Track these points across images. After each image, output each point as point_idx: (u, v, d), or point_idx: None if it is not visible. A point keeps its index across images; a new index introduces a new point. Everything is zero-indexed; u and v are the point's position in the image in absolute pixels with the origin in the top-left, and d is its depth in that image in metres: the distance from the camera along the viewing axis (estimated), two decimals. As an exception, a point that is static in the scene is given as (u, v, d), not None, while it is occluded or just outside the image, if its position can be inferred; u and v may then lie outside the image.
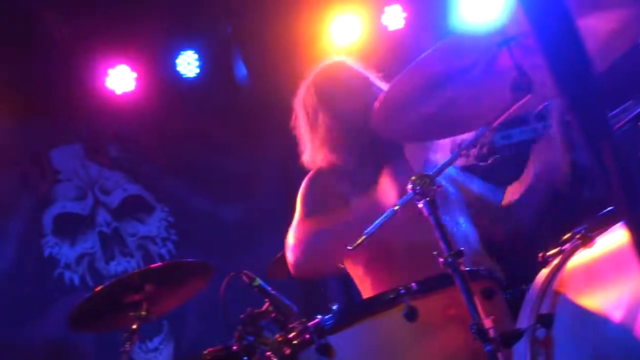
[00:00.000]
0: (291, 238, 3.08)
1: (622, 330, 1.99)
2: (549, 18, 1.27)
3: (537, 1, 1.14)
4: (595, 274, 2.16)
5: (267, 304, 2.78)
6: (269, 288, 2.78)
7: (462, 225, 3.19)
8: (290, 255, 3.04)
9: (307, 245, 3.01)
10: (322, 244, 3.00)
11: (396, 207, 2.41)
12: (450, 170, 3.02)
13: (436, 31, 5.45)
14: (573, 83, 1.30)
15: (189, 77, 5.54)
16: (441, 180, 2.66)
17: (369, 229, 2.47)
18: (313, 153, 3.22)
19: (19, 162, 5.59)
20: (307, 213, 3.14)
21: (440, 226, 2.23)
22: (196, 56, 5.48)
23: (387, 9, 5.50)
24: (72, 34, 5.15)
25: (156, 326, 5.46)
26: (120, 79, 5.35)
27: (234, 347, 2.95)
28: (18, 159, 5.60)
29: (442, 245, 2.20)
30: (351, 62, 3.30)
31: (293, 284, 4.84)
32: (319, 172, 3.23)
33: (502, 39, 2.34)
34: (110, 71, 5.30)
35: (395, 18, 5.50)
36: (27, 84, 5.32)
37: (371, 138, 2.90)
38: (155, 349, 5.51)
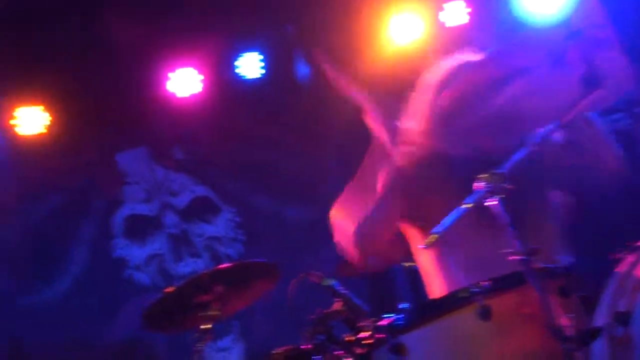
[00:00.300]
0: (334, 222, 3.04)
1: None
2: (627, 8, 1.27)
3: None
4: (673, 270, 2.20)
5: (337, 304, 2.80)
6: (341, 288, 2.80)
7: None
8: (346, 255, 2.99)
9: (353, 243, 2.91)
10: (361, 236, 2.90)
11: (468, 205, 2.32)
12: None
13: (501, 26, 5.25)
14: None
15: (251, 79, 5.60)
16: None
17: (439, 227, 2.37)
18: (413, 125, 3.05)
19: (87, 167, 5.76)
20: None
21: (513, 224, 2.20)
22: (261, 57, 5.53)
23: (447, 5, 5.45)
24: (136, 39, 5.24)
25: (226, 326, 5.53)
26: (184, 82, 5.45)
27: (304, 347, 2.96)
28: (86, 164, 5.77)
29: (515, 243, 2.17)
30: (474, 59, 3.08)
31: (359, 283, 4.94)
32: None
33: (570, 32, 2.37)
34: (170, 75, 5.41)
35: (458, 14, 5.40)
36: (93, 89, 5.46)
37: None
38: (226, 349, 5.60)
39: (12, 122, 5.56)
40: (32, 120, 5.46)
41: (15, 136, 5.63)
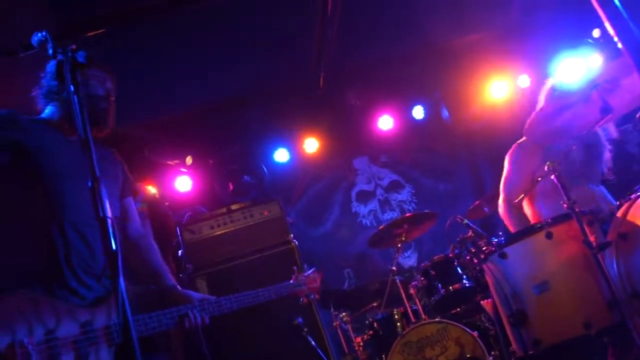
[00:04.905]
0: (501, 194, 3.54)
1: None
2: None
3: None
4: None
5: (470, 233, 3.42)
6: (471, 223, 3.46)
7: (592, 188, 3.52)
8: (499, 208, 3.56)
9: (503, 213, 3.59)
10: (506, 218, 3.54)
11: (539, 179, 3.01)
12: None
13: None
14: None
15: (418, 119, 6.96)
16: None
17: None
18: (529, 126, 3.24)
19: (339, 167, 7.08)
20: (506, 183, 3.56)
21: (564, 189, 2.63)
22: (421, 107, 6.92)
23: (520, 76, 6.59)
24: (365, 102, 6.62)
25: (409, 245, 6.78)
26: (384, 124, 6.80)
27: (450, 255, 4.03)
28: (339, 165, 7.03)
29: (564, 196, 2.63)
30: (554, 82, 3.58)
31: (477, 222, 4.66)
32: (523, 143, 3.59)
33: (594, 85, 2.66)
34: (379, 119, 6.80)
35: (526, 81, 6.53)
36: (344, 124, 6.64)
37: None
38: (409, 257, 6.85)
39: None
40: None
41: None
